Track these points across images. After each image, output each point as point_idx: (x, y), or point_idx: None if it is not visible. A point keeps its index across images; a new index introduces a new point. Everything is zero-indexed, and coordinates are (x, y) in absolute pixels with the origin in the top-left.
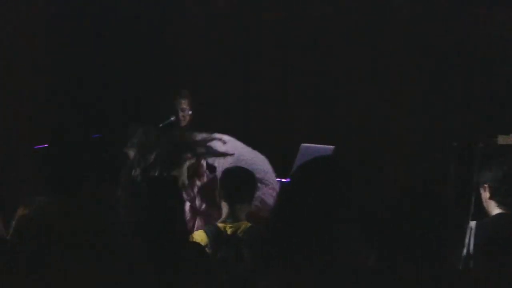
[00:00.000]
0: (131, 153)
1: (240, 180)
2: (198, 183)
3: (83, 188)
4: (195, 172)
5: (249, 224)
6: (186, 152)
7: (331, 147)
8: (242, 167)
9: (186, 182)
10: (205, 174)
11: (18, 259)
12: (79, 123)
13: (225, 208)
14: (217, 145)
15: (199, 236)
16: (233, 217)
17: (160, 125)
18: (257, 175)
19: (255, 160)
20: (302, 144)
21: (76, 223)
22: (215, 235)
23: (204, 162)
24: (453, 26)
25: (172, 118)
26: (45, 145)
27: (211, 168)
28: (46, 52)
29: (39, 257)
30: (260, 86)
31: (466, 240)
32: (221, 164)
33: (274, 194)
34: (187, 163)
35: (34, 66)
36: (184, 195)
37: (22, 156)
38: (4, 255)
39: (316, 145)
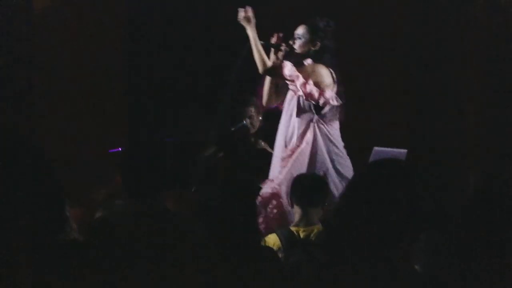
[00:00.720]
0: None
1: (313, 185)
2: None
3: (159, 192)
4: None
5: (321, 228)
6: None
7: (404, 150)
8: (314, 173)
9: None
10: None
11: (91, 261)
12: (153, 126)
13: (297, 212)
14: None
15: (272, 239)
16: (306, 220)
17: (232, 129)
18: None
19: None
20: (375, 147)
21: (150, 226)
22: (287, 238)
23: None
24: None
25: (244, 122)
26: (119, 149)
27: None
28: (117, 55)
29: (111, 259)
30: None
31: None
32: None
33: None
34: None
35: (106, 69)
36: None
37: (97, 160)
38: (77, 256)
39: (389, 148)
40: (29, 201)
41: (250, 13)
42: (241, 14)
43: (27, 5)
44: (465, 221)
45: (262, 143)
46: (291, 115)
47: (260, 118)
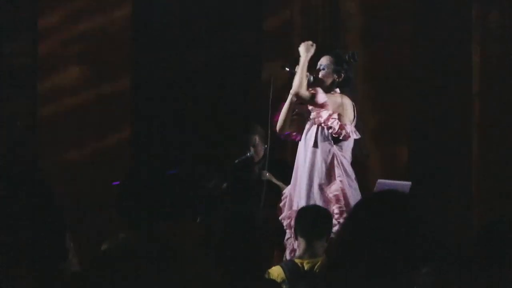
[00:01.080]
0: None
1: (317, 217)
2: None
3: (159, 224)
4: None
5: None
6: None
7: (408, 183)
8: (318, 205)
9: None
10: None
11: None
12: (154, 159)
13: (302, 244)
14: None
15: (276, 271)
16: (310, 252)
17: (236, 161)
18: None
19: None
20: (379, 180)
21: (152, 258)
22: (292, 270)
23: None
24: None
25: (248, 154)
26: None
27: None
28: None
29: None
30: None
31: None
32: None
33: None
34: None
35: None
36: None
37: (102, 192)
38: None
39: (393, 181)
40: (31, 233)
41: (314, 46)
42: (308, 43)
43: (32, 6)
44: (468, 254)
45: (267, 174)
46: (310, 145)
47: (266, 146)
